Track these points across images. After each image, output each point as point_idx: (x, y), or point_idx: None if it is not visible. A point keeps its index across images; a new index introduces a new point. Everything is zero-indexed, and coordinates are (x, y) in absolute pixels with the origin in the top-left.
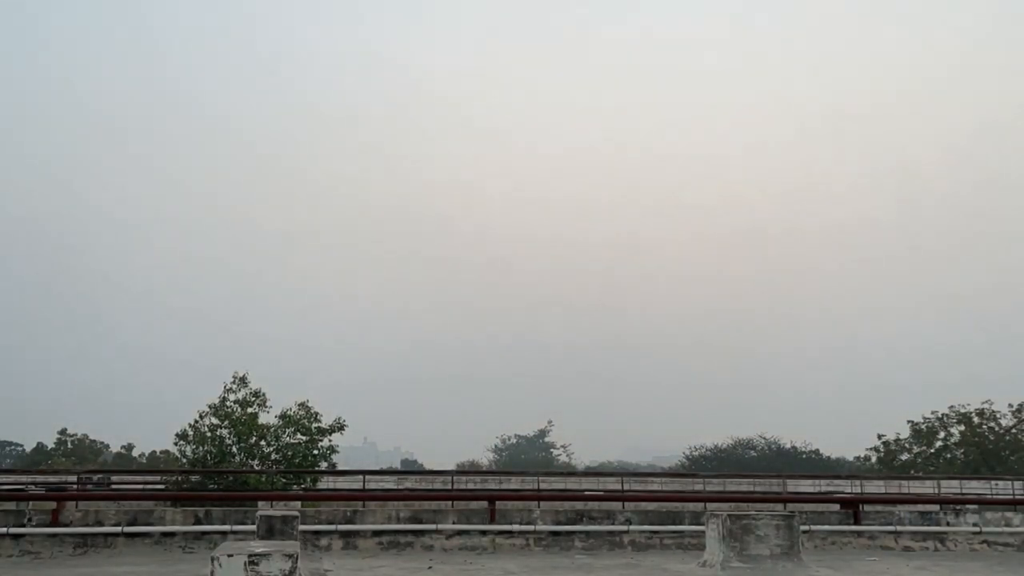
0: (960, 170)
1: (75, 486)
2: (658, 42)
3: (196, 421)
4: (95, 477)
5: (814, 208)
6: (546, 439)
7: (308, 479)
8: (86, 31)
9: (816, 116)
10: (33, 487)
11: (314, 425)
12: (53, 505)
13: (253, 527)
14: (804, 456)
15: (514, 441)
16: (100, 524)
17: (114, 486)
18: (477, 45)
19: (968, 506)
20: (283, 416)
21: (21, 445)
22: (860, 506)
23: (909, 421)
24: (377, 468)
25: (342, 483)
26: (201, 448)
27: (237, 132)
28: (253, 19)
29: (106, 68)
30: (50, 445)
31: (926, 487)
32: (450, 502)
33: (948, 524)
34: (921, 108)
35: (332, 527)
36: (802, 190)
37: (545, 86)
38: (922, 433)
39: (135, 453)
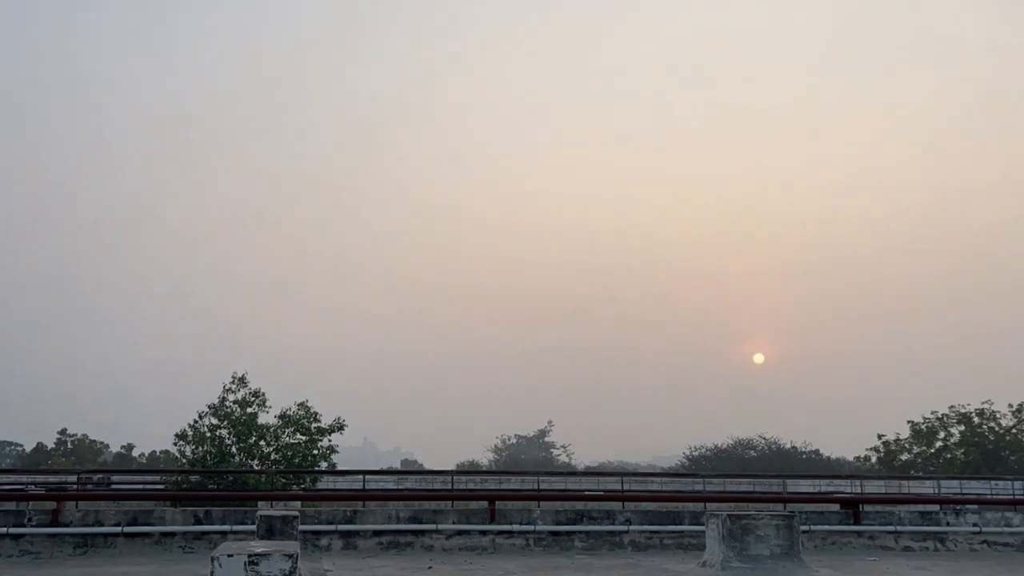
0: (961, 168)
1: (75, 486)
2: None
3: (196, 421)
4: (95, 477)
5: (813, 206)
6: (546, 439)
7: (308, 479)
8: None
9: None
10: (33, 487)
11: (314, 425)
12: (53, 505)
13: (253, 527)
14: (804, 456)
15: (514, 441)
16: (100, 524)
17: (114, 486)
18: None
19: (968, 506)
20: (283, 416)
21: (21, 445)
22: (860, 506)
23: (909, 421)
24: (377, 468)
25: (342, 483)
26: (201, 448)
27: (235, 133)
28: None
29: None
30: (50, 445)
31: (926, 487)
32: (450, 502)
33: (948, 524)
34: (893, 109)
35: (332, 527)
36: (801, 186)
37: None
38: (922, 433)
39: (135, 453)
